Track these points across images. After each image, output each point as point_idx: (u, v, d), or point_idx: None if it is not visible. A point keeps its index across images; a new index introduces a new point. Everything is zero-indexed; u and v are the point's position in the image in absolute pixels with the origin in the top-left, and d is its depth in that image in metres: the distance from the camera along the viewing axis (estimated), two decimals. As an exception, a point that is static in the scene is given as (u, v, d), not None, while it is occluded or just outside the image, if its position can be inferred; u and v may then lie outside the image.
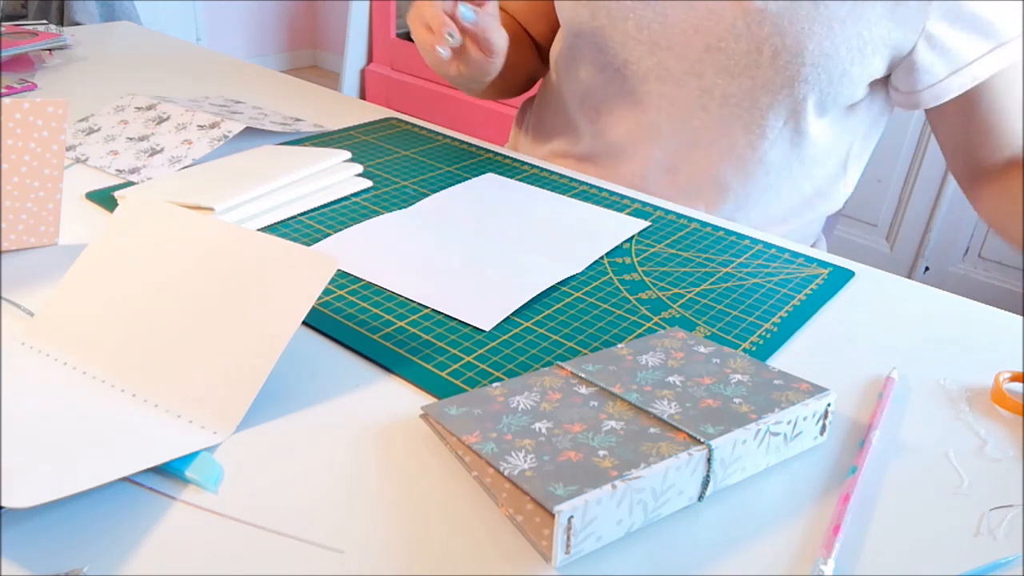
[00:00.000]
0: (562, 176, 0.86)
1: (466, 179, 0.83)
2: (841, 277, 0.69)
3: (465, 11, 0.73)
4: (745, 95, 0.82)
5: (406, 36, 3.14)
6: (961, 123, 0.82)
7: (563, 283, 0.65)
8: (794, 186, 0.89)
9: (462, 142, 0.94)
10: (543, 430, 0.45)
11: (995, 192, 0.81)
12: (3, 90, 1.00)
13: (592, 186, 0.84)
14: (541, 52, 1.02)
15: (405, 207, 0.77)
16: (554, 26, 0.97)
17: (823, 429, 0.49)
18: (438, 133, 0.96)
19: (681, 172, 0.88)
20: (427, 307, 0.61)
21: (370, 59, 3.26)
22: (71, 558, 0.39)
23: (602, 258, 0.70)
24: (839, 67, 0.78)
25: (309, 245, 0.68)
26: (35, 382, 0.51)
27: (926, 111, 0.85)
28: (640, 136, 0.89)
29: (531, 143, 1.02)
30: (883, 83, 0.84)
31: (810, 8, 0.77)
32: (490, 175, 0.85)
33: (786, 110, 0.82)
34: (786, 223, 0.92)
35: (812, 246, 0.99)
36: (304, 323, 0.58)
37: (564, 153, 0.96)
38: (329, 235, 0.71)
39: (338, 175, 0.79)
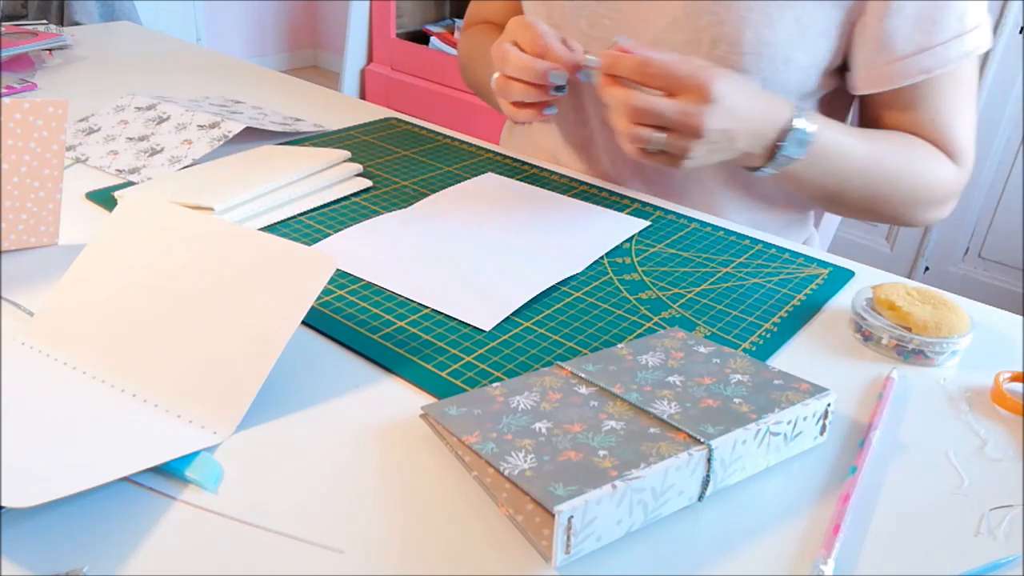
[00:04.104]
0: (562, 176, 0.86)
1: (466, 179, 0.83)
2: (841, 277, 0.69)
3: (557, 77, 0.72)
4: None
5: (406, 36, 3.14)
6: (896, 113, 0.81)
7: (563, 283, 0.65)
8: (755, 179, 0.87)
9: (462, 142, 0.94)
10: (543, 430, 0.45)
11: None
12: (3, 90, 1.00)
13: (592, 186, 0.84)
14: None
15: (405, 207, 0.77)
16: None
17: (823, 429, 0.49)
18: (438, 133, 0.96)
19: (647, 165, 0.88)
20: (427, 307, 0.61)
21: (370, 59, 3.26)
22: (71, 558, 0.39)
23: (602, 258, 0.70)
24: (780, 54, 0.77)
25: (309, 245, 0.68)
26: (35, 382, 0.51)
27: (863, 102, 0.84)
28: (606, 129, 0.88)
29: (519, 137, 1.02)
30: (838, 72, 0.82)
31: None
32: (490, 175, 0.85)
33: None
34: (760, 212, 0.90)
35: (804, 243, 0.98)
36: (304, 323, 0.58)
37: (545, 148, 0.96)
38: (329, 235, 0.71)
39: (338, 175, 0.79)
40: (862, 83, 0.79)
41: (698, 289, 0.66)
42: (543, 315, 0.61)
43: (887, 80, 0.77)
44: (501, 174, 0.85)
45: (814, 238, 1.01)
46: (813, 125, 0.72)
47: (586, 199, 0.81)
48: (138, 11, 2.55)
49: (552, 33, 0.74)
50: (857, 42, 0.77)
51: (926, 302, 0.60)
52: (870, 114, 0.84)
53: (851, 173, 0.76)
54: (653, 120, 0.66)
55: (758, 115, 0.70)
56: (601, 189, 0.84)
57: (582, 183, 0.85)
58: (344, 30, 3.22)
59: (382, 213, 0.75)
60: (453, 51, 2.98)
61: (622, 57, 0.68)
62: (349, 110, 1.04)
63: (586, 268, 0.68)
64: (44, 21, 1.38)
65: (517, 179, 0.84)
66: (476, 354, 0.56)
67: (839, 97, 0.86)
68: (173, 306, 0.53)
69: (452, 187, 0.81)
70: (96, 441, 0.45)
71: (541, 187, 0.83)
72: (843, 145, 0.75)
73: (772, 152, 0.72)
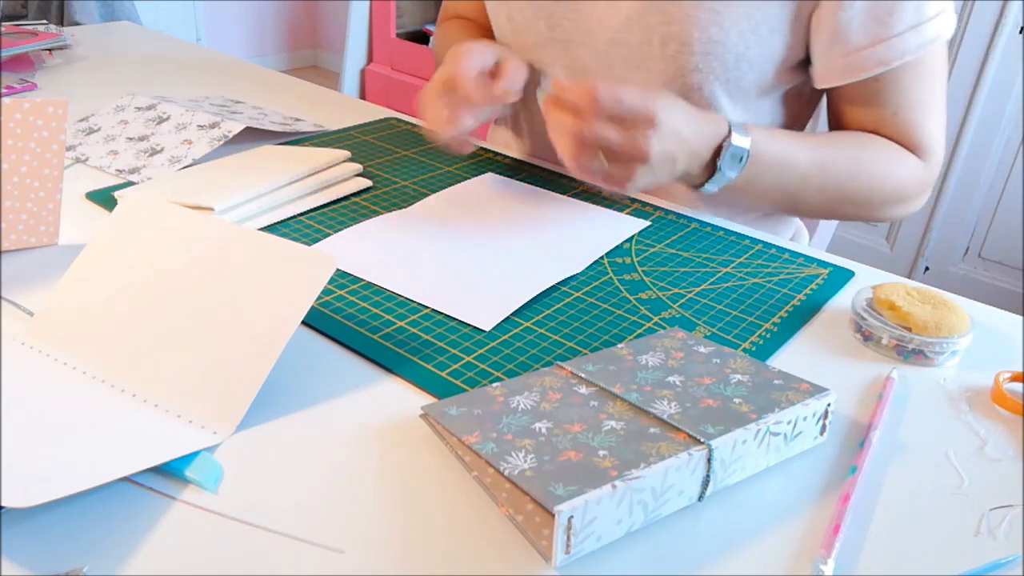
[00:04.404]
0: (562, 176, 0.86)
1: (466, 179, 0.83)
2: (841, 277, 0.69)
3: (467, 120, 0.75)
4: (648, 87, 0.79)
5: (406, 36, 3.14)
6: (859, 108, 0.79)
7: (563, 283, 0.65)
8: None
9: (462, 142, 0.94)
10: (543, 430, 0.45)
11: None
12: (3, 90, 1.00)
13: (592, 185, 0.84)
14: None
15: (405, 207, 0.77)
16: None
17: (823, 429, 0.49)
18: (438, 133, 0.96)
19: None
20: (427, 307, 0.61)
21: (370, 59, 3.26)
22: (71, 558, 0.39)
23: (602, 258, 0.70)
24: (732, 52, 0.76)
25: (309, 245, 0.68)
26: (35, 382, 0.51)
27: (828, 98, 0.83)
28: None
29: (496, 136, 1.03)
30: (802, 67, 0.80)
31: None
32: (489, 175, 0.85)
33: (686, 100, 0.78)
34: (736, 206, 0.88)
35: (792, 238, 0.98)
36: (304, 323, 0.58)
37: (519, 148, 0.96)
38: (329, 235, 0.71)
39: (338, 175, 0.79)
40: (820, 77, 0.78)
41: (698, 289, 0.66)
42: (543, 315, 0.61)
43: (844, 74, 0.76)
44: (501, 174, 0.85)
45: (801, 233, 1.00)
46: (746, 139, 0.72)
47: (586, 199, 0.81)
48: (138, 11, 2.55)
49: (476, 68, 0.75)
50: (814, 36, 0.76)
51: (926, 302, 0.60)
52: (834, 108, 0.83)
53: (798, 182, 0.76)
54: (598, 143, 0.66)
55: (695, 135, 0.69)
56: (601, 189, 0.84)
57: (582, 183, 0.85)
58: (344, 30, 3.23)
59: (382, 213, 0.75)
60: (453, 51, 2.98)
61: (570, 87, 0.67)
62: (349, 110, 1.04)
63: (586, 268, 0.68)
64: (44, 21, 1.38)
65: (517, 179, 0.84)
66: (476, 354, 0.56)
67: (805, 92, 0.85)
68: (173, 306, 0.53)
69: (452, 187, 0.81)
70: (96, 441, 0.45)
71: (541, 187, 0.83)
72: (784, 155, 0.75)
73: (711, 170, 0.72)
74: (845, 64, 0.75)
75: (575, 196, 0.81)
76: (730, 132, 0.71)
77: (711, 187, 0.74)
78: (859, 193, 0.78)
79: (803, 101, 0.86)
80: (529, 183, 0.83)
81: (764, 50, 0.76)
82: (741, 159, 0.72)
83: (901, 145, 0.79)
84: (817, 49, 0.76)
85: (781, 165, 0.75)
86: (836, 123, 0.83)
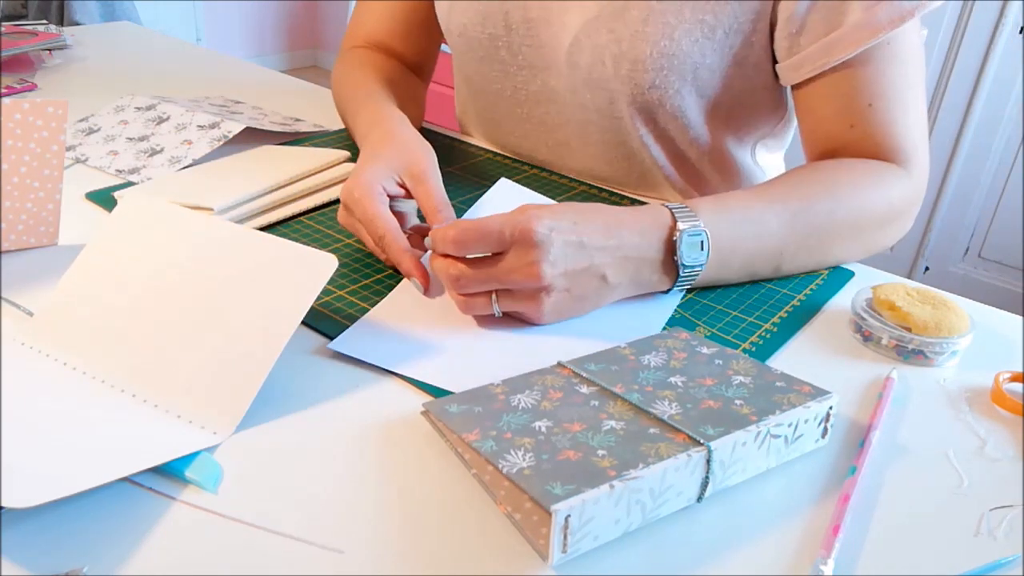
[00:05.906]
0: (562, 176, 0.86)
1: (465, 179, 0.83)
2: (841, 277, 0.69)
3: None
4: (611, 107, 0.78)
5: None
6: (828, 105, 0.71)
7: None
8: (709, 189, 0.86)
9: (461, 142, 0.94)
10: (543, 429, 0.45)
11: None
12: (3, 90, 1.00)
13: (591, 186, 0.84)
14: (419, 72, 0.99)
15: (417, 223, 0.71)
16: (428, 36, 0.95)
17: (824, 432, 0.49)
18: (437, 133, 0.96)
19: (609, 183, 0.87)
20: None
21: (370, 59, 3.26)
22: (71, 558, 0.39)
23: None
24: (687, 62, 0.72)
25: (309, 245, 0.68)
26: (35, 382, 0.51)
27: (796, 100, 0.74)
28: (561, 154, 0.88)
29: (477, 127, 1.00)
30: (771, 65, 0.75)
31: (640, 8, 0.71)
32: (504, 181, 0.75)
33: (650, 117, 0.77)
34: None
35: None
36: (304, 323, 0.58)
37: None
38: (330, 235, 0.70)
39: (338, 175, 0.79)
40: (791, 71, 0.71)
41: (698, 289, 0.66)
42: (543, 315, 0.61)
43: (817, 59, 0.69)
44: (501, 174, 0.85)
45: None
46: (697, 220, 0.59)
47: (585, 199, 0.81)
48: (138, 11, 2.55)
49: (390, 215, 0.63)
50: (780, 25, 0.70)
51: (926, 302, 0.60)
52: (804, 109, 0.74)
53: (777, 244, 0.64)
54: (482, 286, 0.56)
55: (619, 239, 0.57)
56: (601, 189, 0.84)
57: (581, 183, 0.85)
58: (344, 30, 3.23)
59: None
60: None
61: (439, 232, 0.56)
62: (349, 110, 1.03)
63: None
64: (44, 21, 1.38)
65: (517, 179, 0.84)
66: (476, 354, 0.56)
67: (777, 94, 0.80)
68: (173, 306, 0.53)
69: (473, 205, 0.71)
70: (96, 441, 0.45)
71: (543, 188, 0.82)
72: (748, 220, 0.63)
73: (673, 268, 0.60)
74: (819, 49, 0.68)
75: (575, 197, 0.81)
76: (675, 219, 0.59)
77: (680, 286, 0.62)
78: (846, 224, 0.67)
79: (777, 104, 0.82)
80: (529, 183, 0.83)
81: (724, 54, 0.72)
82: (702, 243, 0.60)
83: (878, 151, 0.70)
84: (782, 39, 0.71)
85: (753, 236, 0.63)
86: (807, 129, 0.74)
